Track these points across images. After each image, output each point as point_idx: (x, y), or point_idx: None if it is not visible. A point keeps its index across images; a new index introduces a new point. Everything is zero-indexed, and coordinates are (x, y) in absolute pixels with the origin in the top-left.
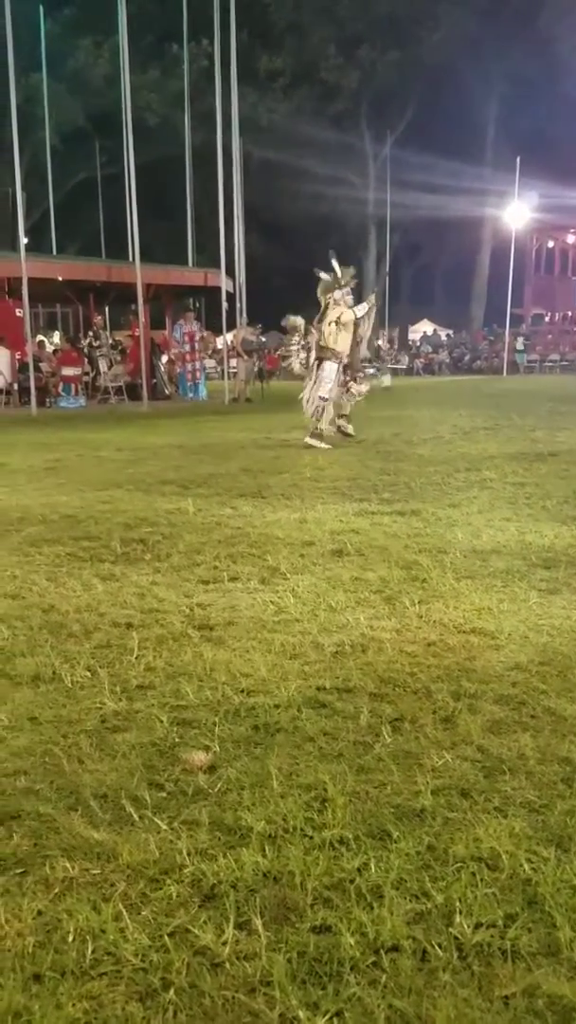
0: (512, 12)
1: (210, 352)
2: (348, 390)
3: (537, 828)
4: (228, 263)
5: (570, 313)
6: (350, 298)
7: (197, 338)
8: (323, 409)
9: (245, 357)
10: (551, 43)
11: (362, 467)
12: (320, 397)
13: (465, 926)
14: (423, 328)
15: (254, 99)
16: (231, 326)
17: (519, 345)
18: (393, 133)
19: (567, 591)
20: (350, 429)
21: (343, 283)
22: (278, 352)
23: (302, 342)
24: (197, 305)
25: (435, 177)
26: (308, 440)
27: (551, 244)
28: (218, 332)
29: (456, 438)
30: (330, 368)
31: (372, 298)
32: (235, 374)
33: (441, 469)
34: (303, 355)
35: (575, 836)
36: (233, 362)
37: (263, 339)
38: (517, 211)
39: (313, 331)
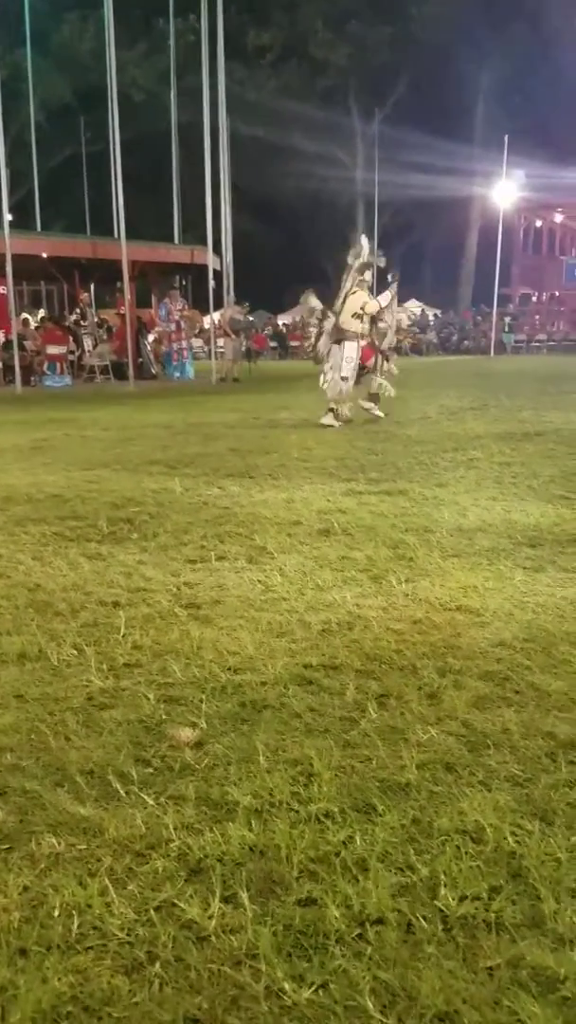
0: None
1: (197, 331)
2: (370, 371)
3: (521, 801)
4: (215, 241)
5: (557, 293)
6: (368, 276)
7: (183, 315)
8: (343, 390)
9: (232, 336)
10: (541, 21)
11: (350, 447)
12: (342, 377)
13: (450, 898)
14: (412, 308)
15: (242, 75)
16: (218, 305)
17: (505, 326)
18: (382, 110)
19: (552, 569)
20: (377, 411)
21: (370, 263)
22: (300, 333)
23: (321, 326)
24: (184, 283)
25: (424, 156)
26: (323, 420)
27: (539, 224)
28: (205, 311)
29: (443, 418)
30: (350, 348)
31: (394, 286)
32: (222, 353)
33: (428, 449)
34: (322, 340)
35: (559, 809)
36: (220, 341)
37: (251, 318)
38: (505, 190)
39: (330, 315)
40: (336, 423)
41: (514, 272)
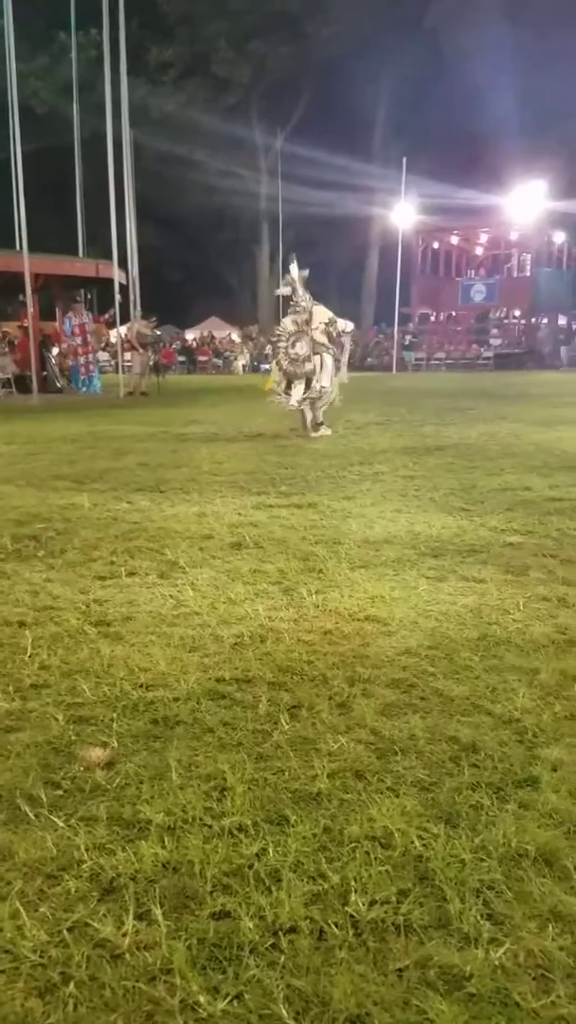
0: (402, 11)
1: (103, 345)
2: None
3: (427, 806)
4: (121, 255)
5: (454, 313)
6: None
7: (89, 330)
8: (324, 398)
9: (140, 350)
10: (437, 43)
11: (260, 461)
12: (323, 387)
13: (360, 904)
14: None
15: (145, 90)
16: (124, 319)
17: (406, 343)
18: (284, 129)
19: (453, 578)
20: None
21: (300, 289)
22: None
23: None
24: (89, 296)
25: (326, 174)
26: (313, 434)
27: (436, 245)
28: (112, 325)
29: (349, 433)
30: (328, 359)
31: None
32: (130, 367)
33: (335, 463)
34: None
35: (463, 812)
36: (128, 355)
37: (158, 332)
38: (403, 211)
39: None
40: (328, 431)
41: (413, 292)
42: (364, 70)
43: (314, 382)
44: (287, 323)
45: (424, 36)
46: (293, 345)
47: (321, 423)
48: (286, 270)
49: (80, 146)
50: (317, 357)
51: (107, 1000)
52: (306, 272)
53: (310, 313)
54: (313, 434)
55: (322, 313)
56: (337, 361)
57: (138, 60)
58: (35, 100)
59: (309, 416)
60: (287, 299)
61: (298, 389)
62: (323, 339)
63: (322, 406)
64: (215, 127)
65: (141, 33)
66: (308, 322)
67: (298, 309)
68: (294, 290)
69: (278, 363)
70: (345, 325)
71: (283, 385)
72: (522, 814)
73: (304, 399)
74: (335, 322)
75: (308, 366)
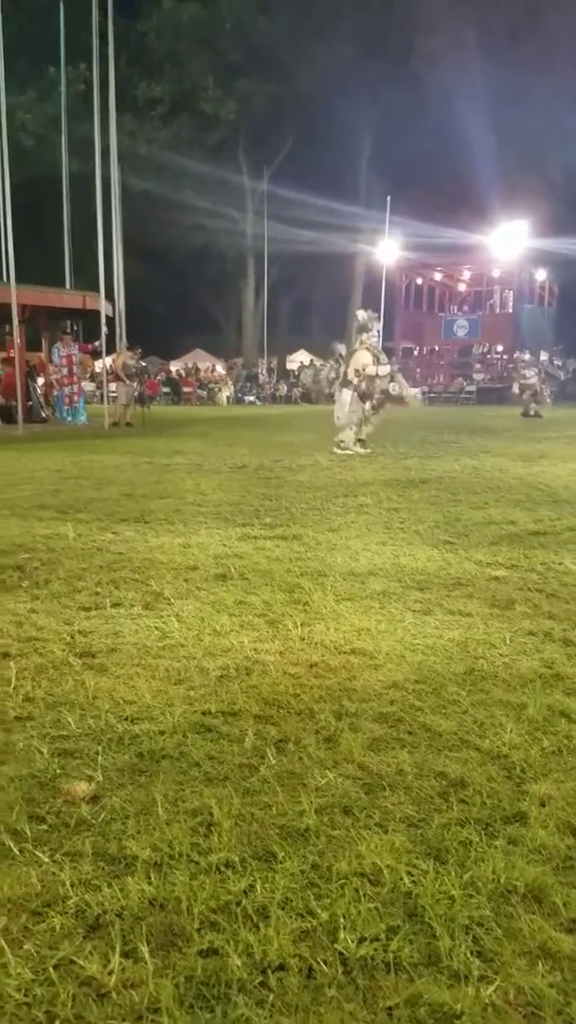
0: (386, 52)
1: (88, 375)
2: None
3: (416, 842)
4: (107, 287)
5: (437, 347)
6: (375, 339)
7: (76, 360)
8: (349, 426)
9: (126, 381)
10: (421, 85)
11: (244, 492)
12: (337, 418)
13: (349, 941)
14: (300, 358)
15: (132, 126)
16: (110, 350)
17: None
18: (270, 166)
19: (439, 611)
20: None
21: (369, 327)
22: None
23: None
24: (75, 328)
25: (310, 212)
26: (341, 452)
27: (419, 281)
28: (97, 355)
29: (334, 465)
30: (346, 394)
31: (395, 374)
32: (115, 398)
33: (320, 495)
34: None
35: (451, 848)
36: (113, 386)
37: (143, 363)
38: (387, 248)
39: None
40: (363, 450)
41: (397, 327)
42: (349, 109)
43: (334, 415)
44: (342, 347)
45: (409, 76)
46: (335, 378)
47: (342, 441)
48: (259, 300)
49: (68, 179)
50: (337, 392)
51: None
52: (367, 315)
53: (353, 354)
54: (336, 450)
55: (359, 358)
56: (361, 397)
57: (126, 96)
58: (23, 133)
59: (349, 438)
60: (361, 330)
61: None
62: (352, 378)
63: (348, 432)
64: (201, 164)
65: (129, 69)
66: (348, 359)
67: (369, 346)
68: (367, 328)
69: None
70: (375, 370)
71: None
72: (511, 850)
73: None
74: (366, 368)
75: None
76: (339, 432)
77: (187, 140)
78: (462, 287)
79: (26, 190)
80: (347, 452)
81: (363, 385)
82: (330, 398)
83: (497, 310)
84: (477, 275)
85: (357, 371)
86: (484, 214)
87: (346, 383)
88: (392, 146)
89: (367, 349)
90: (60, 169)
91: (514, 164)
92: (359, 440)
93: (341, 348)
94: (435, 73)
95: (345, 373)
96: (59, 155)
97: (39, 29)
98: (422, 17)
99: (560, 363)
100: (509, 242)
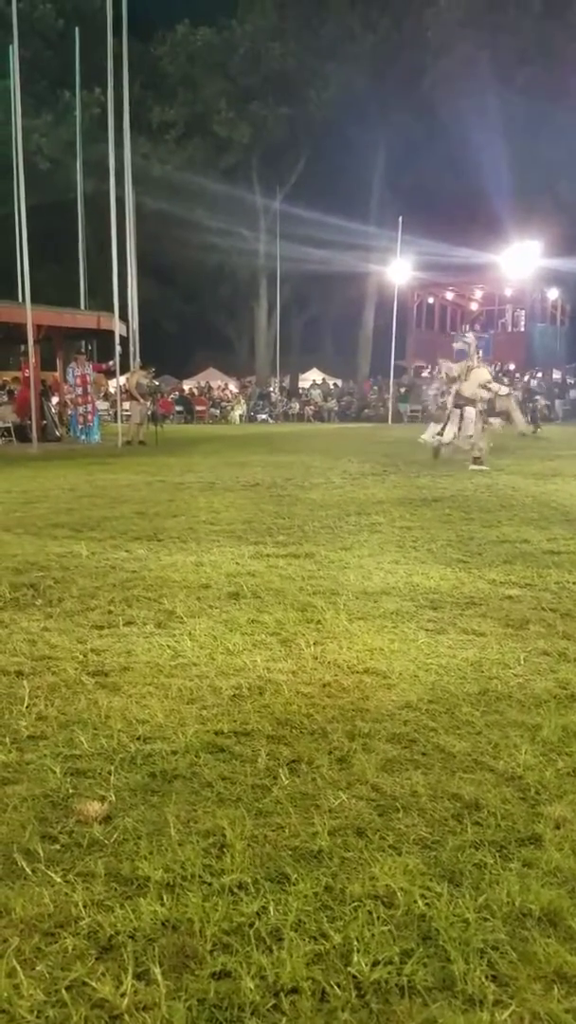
0: (398, 75)
1: (102, 395)
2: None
3: (430, 864)
4: (121, 307)
5: None
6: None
7: (90, 380)
8: (476, 444)
9: (139, 400)
10: (432, 107)
11: (257, 510)
12: (469, 436)
13: (363, 964)
14: (312, 376)
15: (147, 149)
16: (124, 369)
17: (400, 395)
18: (283, 188)
19: (453, 631)
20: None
21: (472, 351)
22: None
23: (444, 388)
24: (90, 347)
25: (323, 232)
26: (473, 467)
27: (431, 300)
28: (111, 375)
29: (346, 483)
30: (472, 412)
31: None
32: (128, 417)
33: (332, 513)
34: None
35: (466, 871)
36: (126, 405)
37: (156, 382)
38: (399, 268)
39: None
40: (485, 467)
41: (408, 345)
42: (361, 131)
43: (462, 433)
44: (452, 366)
45: (420, 98)
46: (443, 395)
47: (479, 457)
48: (279, 321)
49: (83, 202)
50: (458, 410)
51: None
52: (475, 339)
53: (470, 372)
54: (472, 467)
55: (481, 375)
56: (482, 414)
57: (140, 119)
58: (39, 156)
59: (444, 450)
60: (462, 352)
61: (450, 429)
62: (472, 395)
63: (474, 451)
64: (215, 186)
65: (143, 93)
66: (464, 379)
67: (468, 364)
68: (469, 346)
69: (424, 404)
70: (499, 388)
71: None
72: (526, 873)
73: (449, 443)
74: (490, 384)
75: (444, 413)
76: (477, 448)
77: (201, 162)
78: (474, 306)
79: (42, 212)
80: (482, 468)
81: (486, 401)
82: (437, 417)
83: (509, 329)
84: (489, 294)
85: (483, 386)
86: (496, 234)
87: (467, 401)
88: (404, 166)
89: (485, 367)
90: (75, 191)
91: (526, 184)
92: (477, 458)
93: (448, 366)
94: (447, 94)
95: (459, 391)
96: (74, 177)
97: (55, 54)
98: (433, 39)
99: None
100: (521, 261)
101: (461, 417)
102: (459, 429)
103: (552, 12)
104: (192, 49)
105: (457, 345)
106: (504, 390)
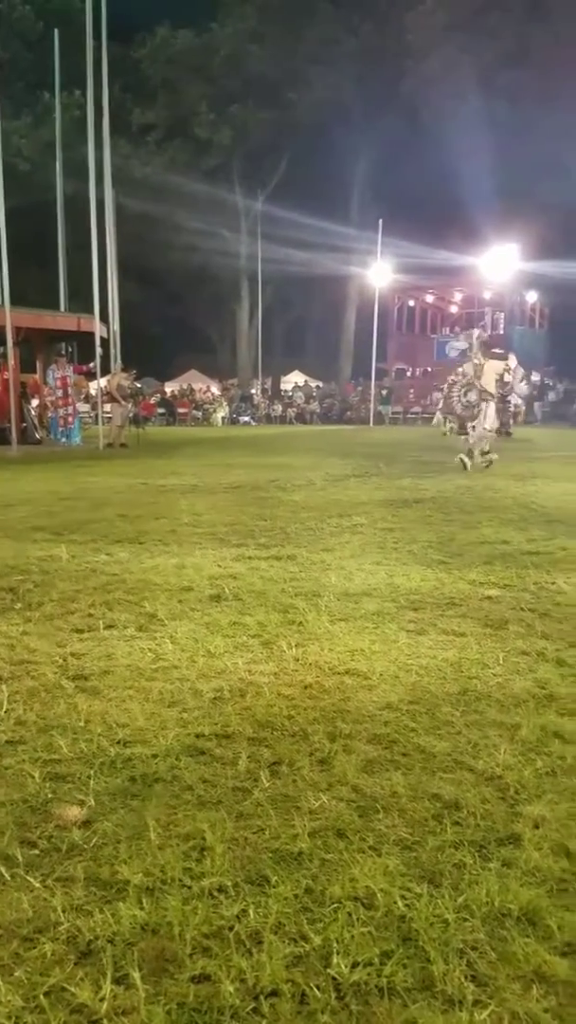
0: (379, 78)
1: (83, 397)
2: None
3: (410, 865)
4: (102, 309)
5: (430, 368)
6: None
7: (71, 383)
8: (487, 438)
9: (120, 402)
10: (414, 110)
11: (239, 512)
12: (485, 428)
13: (343, 966)
14: (295, 378)
15: (127, 151)
16: (105, 371)
17: (382, 398)
18: (264, 190)
19: (433, 632)
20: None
21: (475, 348)
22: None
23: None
24: (70, 349)
25: (304, 234)
26: (484, 466)
27: (412, 303)
28: (92, 377)
29: (328, 485)
30: (491, 407)
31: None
32: (110, 419)
33: (314, 515)
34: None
35: (445, 871)
36: (108, 407)
37: (138, 384)
38: (380, 271)
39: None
40: (470, 466)
41: (390, 348)
42: (343, 134)
43: (479, 426)
44: (468, 368)
45: (402, 101)
46: (466, 394)
47: (487, 452)
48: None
49: (63, 204)
50: (483, 404)
51: None
52: (485, 335)
53: (483, 367)
54: (484, 466)
55: (495, 366)
56: (499, 406)
57: (120, 121)
58: (18, 158)
59: (476, 452)
60: (463, 352)
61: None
62: (491, 389)
63: (484, 445)
64: (196, 188)
65: (124, 95)
66: (479, 376)
67: (475, 362)
68: (471, 346)
69: (451, 410)
70: (515, 376)
71: (458, 428)
72: (505, 872)
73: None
74: (509, 368)
75: (476, 411)
76: (476, 445)
77: (182, 164)
78: (454, 309)
79: (22, 214)
80: (492, 457)
81: (501, 392)
82: (465, 418)
83: (489, 331)
84: (468, 297)
85: (499, 377)
86: (476, 237)
87: (488, 396)
88: (385, 169)
89: (494, 360)
90: (55, 193)
91: (506, 187)
92: (485, 452)
93: (466, 367)
94: (428, 97)
95: (483, 388)
96: (54, 179)
97: (34, 56)
98: (415, 43)
99: (551, 383)
100: (500, 264)
101: (484, 412)
102: (484, 420)
103: (534, 16)
104: (172, 52)
105: (458, 344)
106: (520, 374)
